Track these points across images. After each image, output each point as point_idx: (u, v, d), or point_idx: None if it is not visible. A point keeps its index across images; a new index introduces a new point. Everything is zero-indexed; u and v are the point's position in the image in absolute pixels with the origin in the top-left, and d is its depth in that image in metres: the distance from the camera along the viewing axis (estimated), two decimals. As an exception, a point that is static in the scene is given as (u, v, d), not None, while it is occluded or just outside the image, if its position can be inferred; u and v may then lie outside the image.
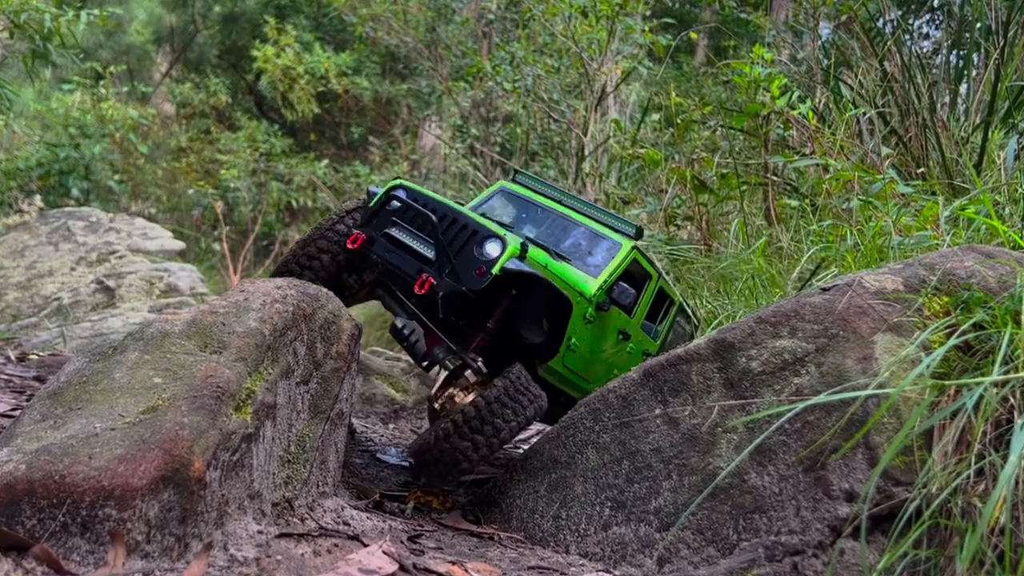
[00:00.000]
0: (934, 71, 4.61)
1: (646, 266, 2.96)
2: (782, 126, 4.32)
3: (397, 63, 15.60)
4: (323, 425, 2.36)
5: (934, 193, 3.38)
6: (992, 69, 3.99)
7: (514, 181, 3.18)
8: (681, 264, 4.70)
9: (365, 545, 2.01)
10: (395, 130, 16.32)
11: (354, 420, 3.75)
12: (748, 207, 4.59)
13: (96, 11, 7.83)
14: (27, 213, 10.56)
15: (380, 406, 4.20)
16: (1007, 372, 1.71)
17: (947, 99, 4.43)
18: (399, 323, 2.66)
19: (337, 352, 2.46)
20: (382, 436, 3.64)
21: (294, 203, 15.36)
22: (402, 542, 2.13)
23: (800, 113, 4.11)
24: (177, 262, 8.57)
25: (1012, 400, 1.70)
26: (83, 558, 1.47)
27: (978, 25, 4.68)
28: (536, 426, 4.01)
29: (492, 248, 2.45)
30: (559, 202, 3.03)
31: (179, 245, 9.20)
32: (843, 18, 5.55)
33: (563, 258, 2.79)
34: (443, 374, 2.58)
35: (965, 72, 4.55)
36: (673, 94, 5.28)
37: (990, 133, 3.61)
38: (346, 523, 2.20)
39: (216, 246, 14.67)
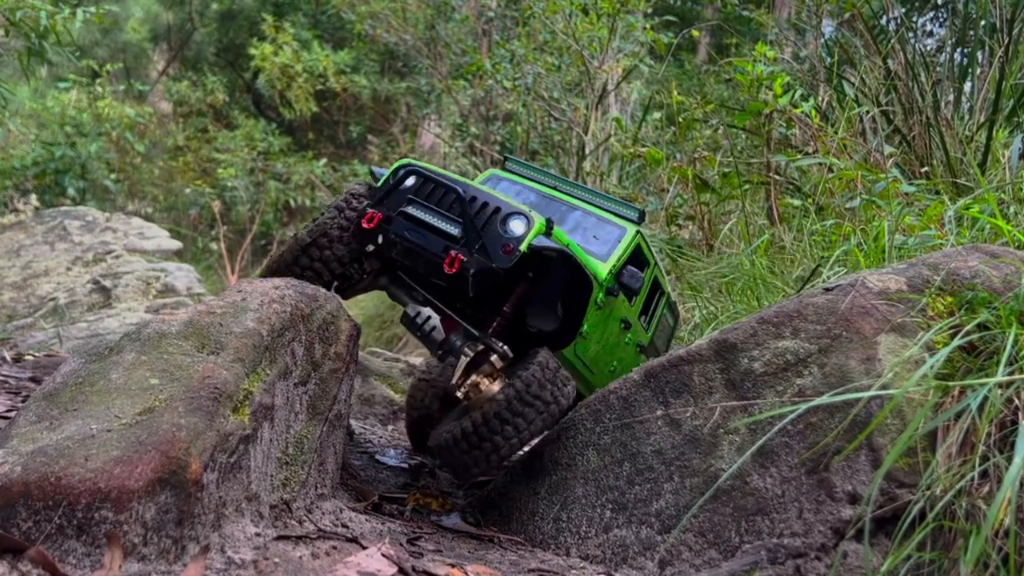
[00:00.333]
0: (938, 69, 4.61)
1: (646, 253, 2.91)
2: (784, 125, 4.32)
3: (396, 61, 15.61)
4: (321, 426, 2.36)
5: (938, 192, 3.38)
6: (996, 67, 3.99)
7: (504, 168, 3.09)
8: (683, 264, 4.70)
9: (364, 547, 2.01)
10: (394, 129, 16.32)
11: (353, 421, 3.75)
12: (750, 206, 4.59)
13: (92, 8, 7.83)
14: (23, 212, 10.57)
15: (379, 407, 4.20)
16: (1012, 373, 1.71)
17: (951, 97, 4.43)
18: (411, 311, 2.58)
19: (335, 353, 2.46)
20: (381, 438, 3.64)
21: (292, 202, 15.37)
22: (401, 544, 2.13)
23: (803, 111, 4.11)
24: (174, 262, 8.57)
25: (1017, 401, 1.70)
26: (79, 561, 1.47)
27: (982, 22, 4.68)
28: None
29: (517, 225, 2.37)
30: (554, 188, 2.95)
31: (176, 245, 9.21)
32: (846, 15, 5.55)
33: None
34: (463, 361, 2.49)
35: (969, 70, 4.55)
36: (675, 92, 5.28)
37: (994, 132, 3.61)
38: (345, 525, 2.20)
39: (213, 246, 14.68)
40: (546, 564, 2.18)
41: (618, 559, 2.15)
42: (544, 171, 3.03)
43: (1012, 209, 2.92)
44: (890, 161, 3.72)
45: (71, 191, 11.74)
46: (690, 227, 5.19)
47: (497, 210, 2.38)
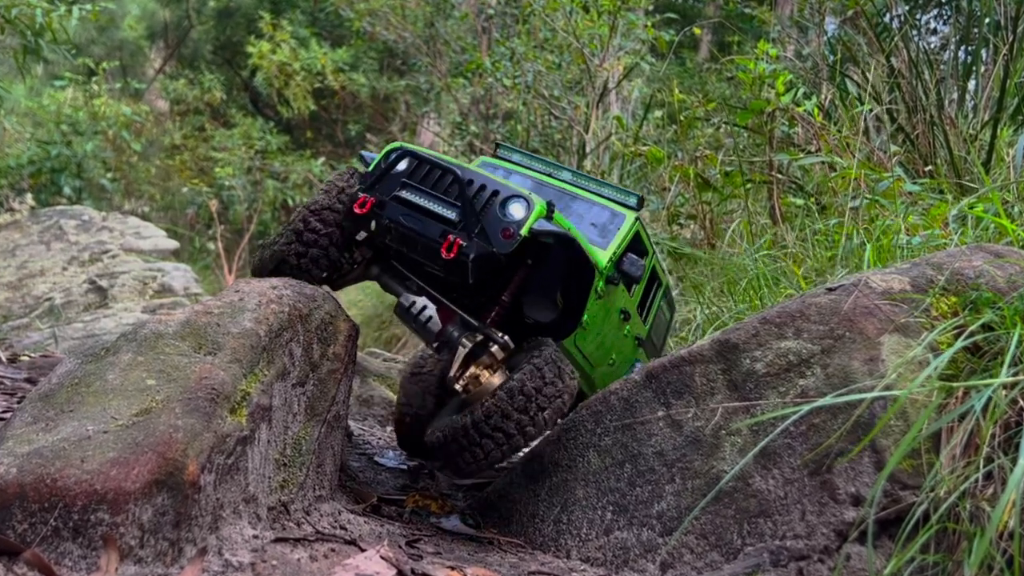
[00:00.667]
0: (942, 67, 4.61)
1: (645, 241, 2.84)
2: (787, 123, 4.32)
3: (395, 59, 15.61)
4: (320, 428, 2.36)
5: (942, 191, 3.38)
6: (1001, 65, 3.99)
7: (496, 155, 2.97)
8: (684, 263, 4.70)
9: (362, 550, 2.01)
10: (393, 127, 16.32)
11: (351, 422, 3.75)
12: (752, 206, 4.59)
13: (88, 6, 7.83)
14: (18, 212, 10.57)
15: (378, 408, 4.20)
16: (1016, 374, 1.71)
17: (955, 96, 4.43)
18: (405, 301, 2.49)
19: (334, 353, 2.46)
20: (380, 439, 3.64)
21: (290, 201, 15.37)
22: (400, 547, 2.13)
23: (805, 110, 4.11)
24: (171, 262, 8.57)
25: (1021, 402, 1.70)
26: (75, 563, 1.47)
27: (987, 20, 4.68)
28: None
29: (516, 209, 2.30)
30: (549, 174, 2.84)
31: (173, 244, 9.21)
32: (849, 13, 5.55)
33: None
34: (460, 353, 2.40)
35: (973, 68, 4.55)
36: (676, 90, 5.28)
37: (999, 130, 3.61)
38: (343, 527, 2.20)
39: (211, 245, 14.68)
40: (546, 566, 2.18)
41: (619, 561, 2.15)
42: (538, 157, 2.94)
43: (1016, 208, 2.92)
44: (893, 160, 3.72)
45: (67, 190, 11.74)
46: (692, 226, 5.19)
47: (495, 193, 2.32)
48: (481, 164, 2.87)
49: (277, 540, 1.91)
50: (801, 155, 4.00)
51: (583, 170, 6.95)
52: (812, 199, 4.07)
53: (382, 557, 1.91)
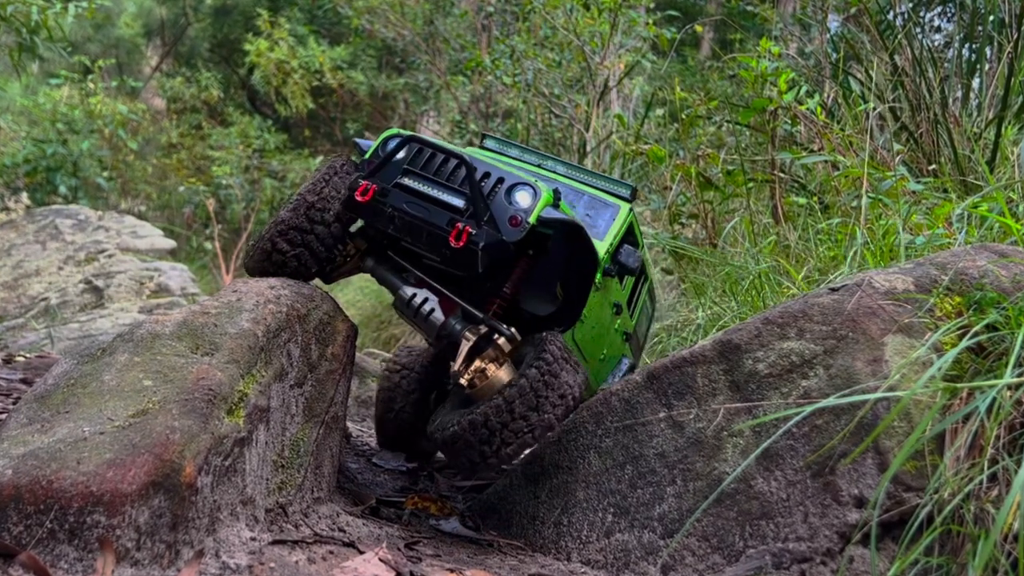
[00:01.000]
0: (946, 65, 4.61)
1: (636, 233, 2.81)
2: (789, 122, 4.32)
3: (394, 57, 15.60)
4: (318, 429, 2.36)
5: (946, 190, 3.38)
6: (1005, 63, 3.99)
7: (482, 146, 2.88)
8: (686, 263, 4.70)
9: (361, 552, 2.01)
10: (392, 126, 16.32)
11: (349, 424, 3.75)
12: (755, 205, 4.59)
13: (84, 3, 7.83)
14: (13, 211, 10.56)
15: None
16: (1021, 374, 1.71)
17: (959, 94, 4.43)
18: (406, 293, 2.43)
19: (332, 354, 2.46)
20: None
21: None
22: (399, 549, 2.13)
23: (808, 108, 4.11)
24: (168, 261, 8.57)
25: (1026, 403, 1.70)
26: (71, 566, 1.47)
27: (991, 18, 4.68)
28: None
29: (523, 197, 2.26)
30: (539, 165, 2.77)
31: (170, 244, 9.21)
32: (852, 11, 5.55)
33: None
34: (464, 346, 2.33)
35: (978, 66, 4.55)
36: (678, 89, 5.28)
37: (1003, 129, 3.61)
38: (341, 529, 2.20)
39: (208, 245, 14.68)
40: (547, 569, 2.18)
41: (620, 564, 2.15)
42: (527, 148, 2.87)
43: (1021, 208, 2.92)
44: (897, 159, 3.72)
45: (63, 189, 11.74)
46: (693, 226, 5.18)
47: (500, 180, 2.28)
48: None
49: (275, 542, 1.91)
50: (804, 154, 4.00)
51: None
52: (815, 198, 4.07)
53: (381, 559, 1.91)
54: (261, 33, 15.16)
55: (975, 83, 4.52)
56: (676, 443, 2.19)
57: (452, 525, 2.50)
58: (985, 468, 1.64)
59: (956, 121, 3.88)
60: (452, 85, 10.64)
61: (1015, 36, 3.97)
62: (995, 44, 4.49)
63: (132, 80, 15.53)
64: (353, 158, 2.63)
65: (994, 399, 1.67)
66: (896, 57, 4.27)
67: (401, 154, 2.36)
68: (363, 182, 2.30)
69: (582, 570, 2.18)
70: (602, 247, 2.52)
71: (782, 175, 4.34)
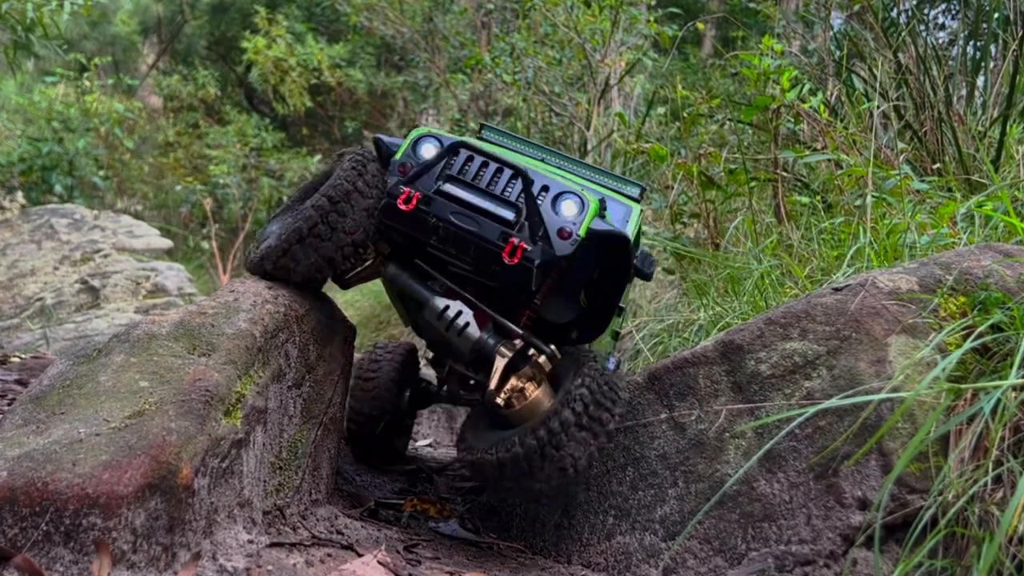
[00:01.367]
0: (950, 63, 4.61)
1: (640, 234, 2.74)
2: (792, 120, 4.32)
3: (393, 54, 15.60)
4: (316, 430, 2.36)
5: (950, 189, 3.38)
6: (1011, 61, 3.99)
7: (480, 138, 2.73)
8: (687, 263, 4.70)
9: (359, 555, 2.01)
10: (391, 124, 16.31)
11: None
12: (757, 204, 4.59)
13: (80, 0, 7.83)
14: (8, 210, 10.56)
15: (375, 411, 4.19)
16: (1026, 375, 1.71)
17: (964, 92, 4.43)
18: (438, 304, 2.28)
19: (331, 354, 2.46)
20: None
21: (286, 200, 15.37)
22: (398, 552, 2.13)
23: (811, 106, 4.11)
24: (164, 261, 8.57)
25: (1031, 404, 1.70)
26: (67, 568, 1.47)
27: (996, 15, 4.68)
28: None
29: (569, 207, 2.17)
30: (542, 161, 2.64)
31: (166, 243, 9.21)
32: (856, 8, 5.55)
33: None
34: (500, 363, 2.22)
35: (982, 64, 4.55)
36: (679, 87, 5.28)
37: (1008, 127, 3.61)
38: (340, 532, 2.20)
39: (205, 244, 14.67)
40: (547, 572, 2.18)
41: (621, 567, 2.15)
42: (527, 140, 2.75)
43: (1026, 207, 2.92)
44: (901, 157, 3.72)
45: (58, 188, 11.74)
46: (695, 225, 5.18)
47: (545, 188, 2.19)
48: None
49: (272, 545, 1.91)
50: (807, 152, 4.00)
51: (584, 168, 6.92)
52: (818, 197, 4.07)
53: (379, 562, 1.91)
54: (259, 30, 15.16)
55: (980, 81, 4.52)
56: (678, 444, 2.19)
57: (451, 527, 2.51)
58: (990, 470, 1.64)
59: (960, 119, 3.88)
60: (451, 83, 10.64)
61: (1020, 33, 3.97)
62: (1000, 41, 4.48)
63: (128, 78, 15.53)
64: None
65: (999, 400, 1.67)
66: (900, 55, 4.27)
67: (428, 153, 2.26)
68: (405, 189, 2.16)
69: (583, 573, 2.18)
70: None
71: (785, 174, 4.34)
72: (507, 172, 2.21)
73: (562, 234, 2.13)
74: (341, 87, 15.80)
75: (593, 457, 2.06)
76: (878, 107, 3.96)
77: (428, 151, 2.26)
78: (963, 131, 3.78)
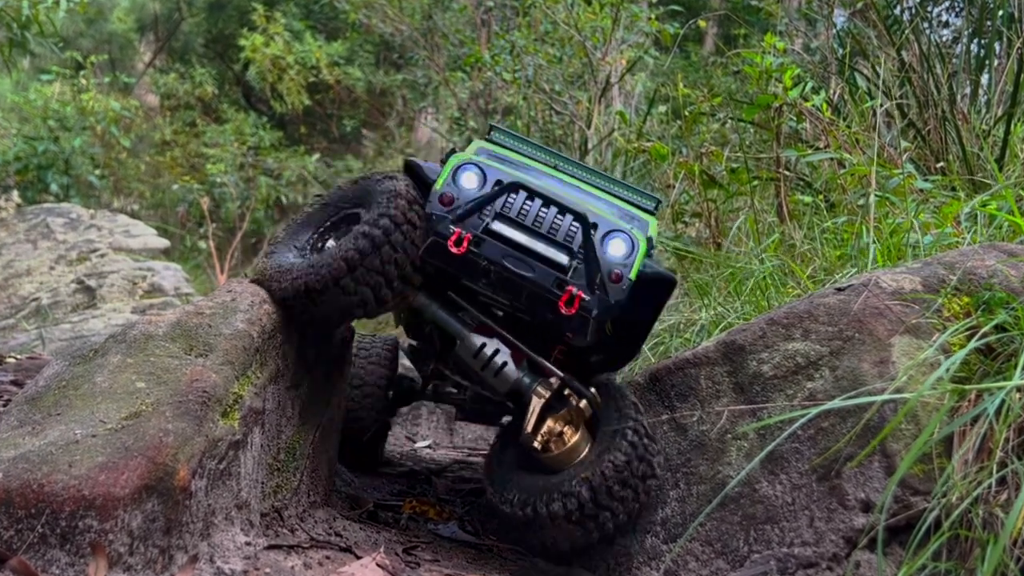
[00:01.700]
0: (954, 61, 4.61)
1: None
2: (795, 118, 4.32)
3: (392, 52, 15.60)
4: (314, 432, 2.36)
5: (954, 188, 3.37)
6: (1015, 58, 3.99)
7: (489, 139, 2.59)
8: (689, 262, 4.70)
9: (358, 557, 2.01)
10: (389, 123, 16.32)
11: (346, 426, 3.74)
12: (759, 203, 4.59)
13: (76, -2, 7.83)
14: (4, 210, 10.56)
15: (374, 412, 4.19)
16: (1030, 376, 1.71)
17: (968, 90, 4.43)
18: (475, 342, 2.20)
19: (329, 355, 2.46)
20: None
21: (284, 199, 15.36)
22: (397, 554, 2.13)
23: (814, 105, 4.11)
24: (161, 261, 8.57)
25: (1036, 405, 1.70)
26: (63, 571, 1.47)
27: (1000, 12, 4.68)
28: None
29: (617, 246, 2.10)
30: (555, 167, 2.55)
31: (163, 243, 9.21)
32: (859, 5, 5.55)
33: None
34: (536, 404, 2.16)
35: (987, 62, 4.54)
36: (681, 85, 5.28)
37: (1013, 126, 3.61)
38: (338, 534, 2.20)
39: (202, 244, 14.67)
40: (548, 575, 2.18)
41: (622, 569, 2.15)
42: (538, 145, 2.65)
43: (1031, 206, 2.92)
44: (904, 156, 3.72)
45: (54, 187, 11.74)
46: (697, 225, 5.18)
47: (594, 226, 2.09)
48: (479, 151, 2.55)
49: (270, 547, 1.91)
50: (809, 151, 4.00)
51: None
52: (820, 196, 4.06)
53: (378, 565, 1.91)
54: (256, 28, 15.15)
55: (984, 79, 4.52)
56: (679, 446, 2.19)
57: (451, 529, 2.51)
58: (994, 471, 1.64)
59: (964, 118, 3.87)
60: (451, 81, 10.64)
61: (1025, 31, 3.96)
62: (1004, 39, 4.48)
63: (125, 76, 15.53)
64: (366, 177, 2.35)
65: (1003, 401, 1.67)
66: (903, 53, 4.27)
67: (471, 184, 2.14)
68: (455, 229, 2.05)
69: (584, 575, 2.18)
70: (633, 270, 2.31)
71: (787, 173, 4.34)
72: (554, 207, 2.11)
73: (614, 278, 2.06)
74: (339, 85, 15.80)
75: (633, 514, 2.02)
76: (881, 105, 3.96)
77: (469, 180, 2.16)
78: (967, 130, 3.78)
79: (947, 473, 1.70)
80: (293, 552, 1.94)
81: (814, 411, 1.85)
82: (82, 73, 13.32)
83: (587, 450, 2.12)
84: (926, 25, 5.08)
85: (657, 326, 4.08)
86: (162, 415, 1.67)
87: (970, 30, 5.00)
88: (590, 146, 7.02)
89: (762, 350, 2.11)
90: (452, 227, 2.06)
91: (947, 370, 1.77)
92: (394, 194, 2.12)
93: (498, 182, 2.14)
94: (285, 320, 2.17)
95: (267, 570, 1.77)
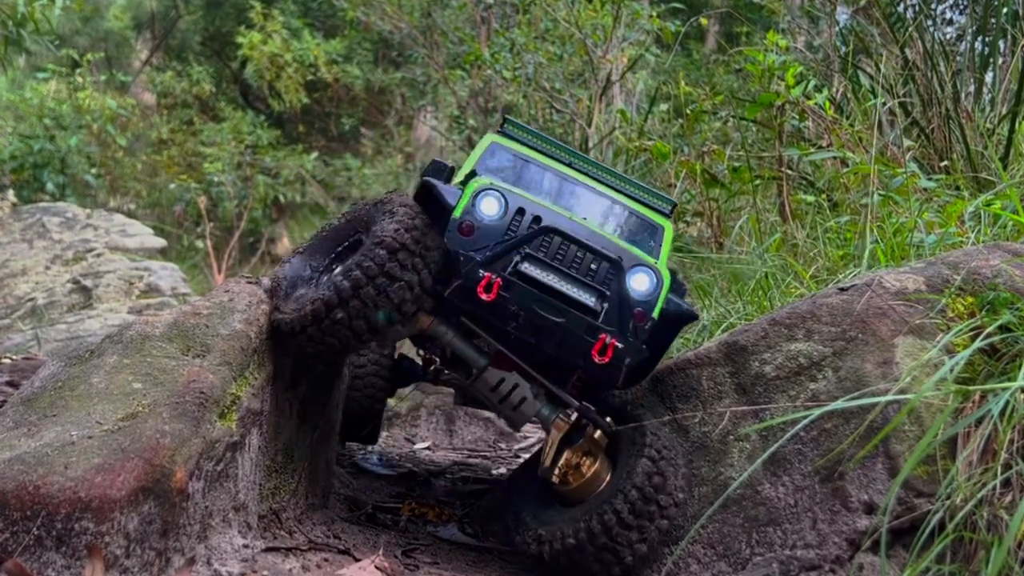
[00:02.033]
0: (958, 59, 4.61)
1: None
2: (797, 117, 4.32)
3: (390, 50, 15.60)
4: (312, 433, 2.36)
5: (958, 188, 3.38)
6: (1020, 56, 3.99)
7: (502, 132, 2.51)
8: (690, 262, 4.70)
9: (356, 559, 2.01)
10: (388, 121, 16.32)
11: (345, 427, 3.74)
12: (761, 202, 4.59)
13: (72, -5, 7.83)
14: (-1, 209, 10.55)
15: (372, 413, 4.19)
16: (1035, 377, 1.71)
17: (972, 88, 4.43)
18: (492, 377, 2.18)
19: (327, 356, 2.46)
20: (374, 444, 3.64)
21: (282, 198, 15.37)
22: (396, 556, 2.13)
23: (816, 103, 4.11)
24: (158, 260, 8.57)
25: (1040, 406, 1.70)
26: (59, 573, 1.46)
27: (1004, 10, 4.68)
28: (537, 434, 4.01)
29: (640, 281, 2.06)
30: (569, 165, 2.46)
31: (160, 243, 9.21)
32: (862, 3, 5.55)
33: None
34: (555, 436, 2.14)
35: (991, 60, 4.54)
36: (682, 83, 5.28)
37: (1017, 124, 3.61)
38: (336, 536, 2.20)
39: (199, 243, 14.68)
40: (548, 577, 2.18)
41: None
42: (552, 140, 2.54)
43: (1036, 205, 2.91)
44: (908, 155, 3.72)
45: (50, 186, 11.73)
46: (698, 224, 5.19)
47: (615, 262, 2.04)
48: (490, 146, 2.46)
49: (268, 549, 1.91)
50: (812, 150, 4.00)
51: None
52: (823, 196, 4.07)
53: (377, 567, 1.91)
54: (254, 26, 15.15)
55: (988, 77, 4.52)
56: (681, 447, 2.19)
57: (451, 532, 2.51)
58: (998, 473, 1.64)
59: (968, 116, 3.87)
60: (450, 79, 10.64)
61: (1029, 29, 3.96)
62: (1009, 37, 4.48)
63: (121, 74, 15.53)
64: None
65: (1007, 402, 1.67)
66: (907, 50, 4.27)
67: (491, 212, 2.06)
68: (485, 274, 1.98)
69: (584, 578, 2.18)
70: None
71: (790, 172, 4.34)
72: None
73: (638, 316, 2.04)
74: (338, 83, 15.80)
75: (653, 543, 2.00)
76: (884, 104, 3.96)
77: (489, 206, 2.07)
78: (971, 128, 3.78)
79: (951, 475, 1.70)
80: (291, 554, 1.94)
81: (817, 412, 1.85)
82: (78, 71, 13.32)
83: (607, 479, 2.11)
84: (930, 22, 5.08)
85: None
86: (159, 416, 1.67)
87: (974, 27, 5.00)
88: (591, 145, 7.02)
89: (764, 351, 2.11)
90: (481, 272, 1.99)
91: (951, 371, 1.77)
92: (389, 220, 2.05)
93: (519, 210, 2.07)
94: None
95: (265, 572, 1.77)
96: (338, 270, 2.08)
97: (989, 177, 3.44)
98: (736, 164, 4.54)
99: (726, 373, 2.17)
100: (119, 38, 17.76)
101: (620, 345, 1.99)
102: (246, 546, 1.85)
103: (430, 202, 2.15)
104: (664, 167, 5.31)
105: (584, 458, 2.13)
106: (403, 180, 14.57)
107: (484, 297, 1.97)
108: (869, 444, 1.84)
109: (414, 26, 11.11)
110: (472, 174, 2.26)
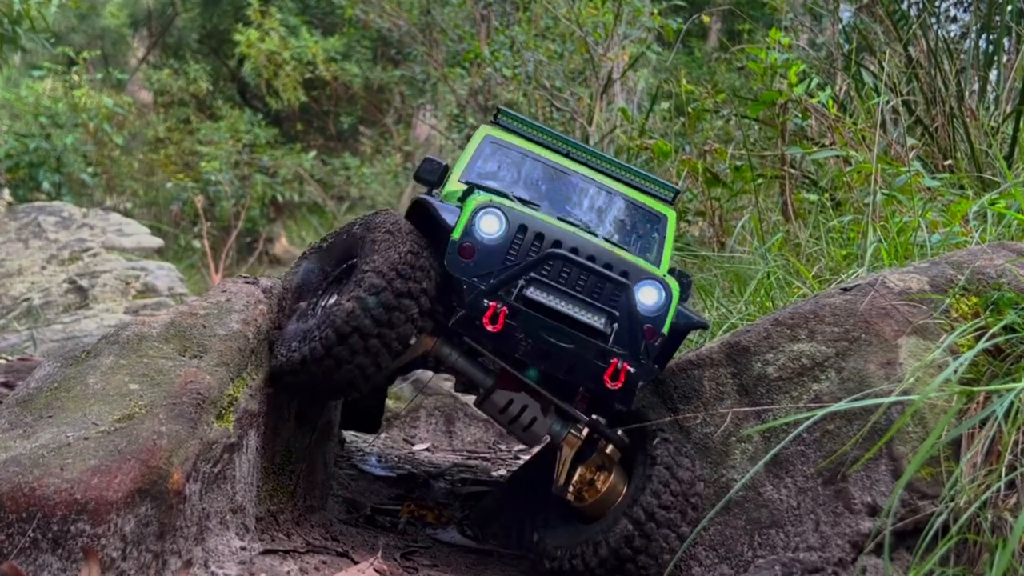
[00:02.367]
0: (962, 56, 4.61)
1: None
2: (800, 115, 4.32)
3: (389, 48, 15.59)
4: (311, 434, 2.36)
5: (962, 187, 3.38)
6: (1024, 54, 4.00)
7: (496, 123, 2.44)
8: (692, 262, 4.70)
9: (355, 562, 2.01)
10: (387, 119, 16.32)
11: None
12: (764, 201, 4.60)
13: (68, -8, 7.83)
14: (-6, 208, 10.55)
15: (371, 414, 4.19)
16: (1040, 378, 1.71)
17: (976, 86, 4.43)
18: (500, 399, 2.14)
19: (325, 356, 2.45)
20: (372, 446, 3.64)
21: (279, 197, 15.38)
22: (395, 559, 2.13)
23: (819, 101, 4.11)
24: (155, 260, 8.57)
25: (1045, 407, 1.70)
26: (54, 576, 1.47)
27: (1009, 8, 4.68)
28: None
29: (648, 294, 2.02)
30: (567, 155, 2.39)
31: (157, 242, 9.21)
32: (865, 0, 5.55)
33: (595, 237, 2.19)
34: (568, 453, 2.13)
35: (995, 57, 4.54)
36: (684, 81, 5.28)
37: (1022, 122, 3.61)
38: (335, 539, 2.21)
39: (196, 243, 14.68)
40: (548, 580, 2.18)
41: (624, 574, 2.15)
42: (548, 130, 2.49)
43: (1040, 204, 2.91)
44: (911, 154, 3.72)
45: (46, 185, 11.73)
46: (700, 223, 5.19)
47: (624, 275, 1.99)
48: (484, 139, 2.39)
49: (266, 552, 1.91)
50: (815, 149, 4.00)
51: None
52: (826, 195, 4.07)
53: (376, 570, 1.91)
54: (251, 23, 15.15)
55: (992, 75, 4.52)
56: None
57: (450, 534, 2.51)
58: (1003, 475, 1.64)
59: (973, 115, 3.87)
60: (450, 77, 10.64)
61: (1034, 26, 3.96)
62: (1013, 35, 4.48)
63: (118, 72, 15.52)
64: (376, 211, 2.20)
65: (1012, 403, 1.67)
66: (911, 48, 4.27)
67: (494, 230, 1.98)
68: (490, 304, 1.92)
69: (585, 581, 2.18)
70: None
71: (792, 171, 4.34)
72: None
73: (648, 333, 2.00)
74: (336, 81, 15.80)
75: (675, 550, 1.99)
76: (888, 102, 3.96)
77: (490, 225, 1.99)
78: (975, 127, 3.78)
79: (955, 476, 1.71)
80: (289, 557, 1.94)
81: (820, 413, 1.85)
82: (74, 69, 13.31)
83: (623, 491, 2.09)
84: (933, 20, 5.08)
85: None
86: (155, 417, 1.67)
87: (978, 25, 5.00)
88: (591, 143, 7.02)
89: (767, 351, 2.11)
90: (486, 302, 1.93)
91: (955, 371, 1.77)
92: (383, 245, 1.98)
93: (521, 227, 2.00)
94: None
95: (262, 575, 1.77)
96: (320, 316, 2.00)
97: (993, 176, 3.44)
98: (738, 163, 4.54)
99: (728, 374, 2.17)
100: (115, 36, 17.76)
101: (632, 370, 1.96)
102: (243, 548, 1.86)
103: (426, 220, 2.10)
104: (665, 166, 5.31)
105: (598, 473, 2.11)
106: (402, 179, 14.58)
107: (490, 328, 1.92)
108: (873, 446, 1.84)
109: (413, 23, 11.12)
110: (470, 190, 2.17)
